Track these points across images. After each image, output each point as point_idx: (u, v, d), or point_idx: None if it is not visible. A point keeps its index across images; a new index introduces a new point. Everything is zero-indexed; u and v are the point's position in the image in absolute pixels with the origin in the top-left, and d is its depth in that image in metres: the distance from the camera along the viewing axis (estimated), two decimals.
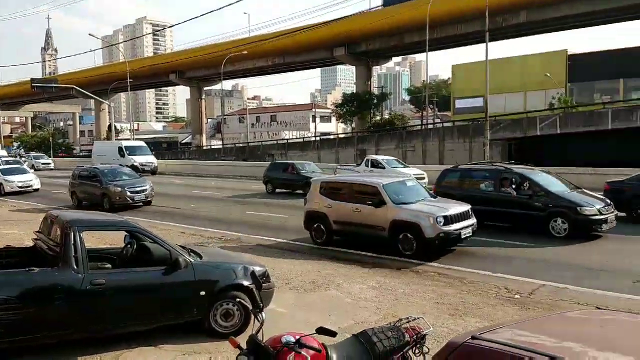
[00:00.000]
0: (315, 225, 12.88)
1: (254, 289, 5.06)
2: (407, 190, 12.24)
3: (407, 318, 4.52)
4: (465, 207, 11.64)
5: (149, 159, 38.85)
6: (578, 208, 12.56)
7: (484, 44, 28.06)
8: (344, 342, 4.19)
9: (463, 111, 51.94)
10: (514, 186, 13.61)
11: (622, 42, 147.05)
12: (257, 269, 6.86)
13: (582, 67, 45.95)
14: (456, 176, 15.06)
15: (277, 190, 24.67)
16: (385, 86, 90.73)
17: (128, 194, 19.97)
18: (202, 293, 6.40)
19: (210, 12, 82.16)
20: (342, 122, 64.29)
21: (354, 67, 59.83)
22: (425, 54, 42.87)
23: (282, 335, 3.72)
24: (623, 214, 14.32)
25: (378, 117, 57.74)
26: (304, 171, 24.25)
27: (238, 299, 6.39)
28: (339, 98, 69.21)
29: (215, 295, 6.46)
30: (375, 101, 57.16)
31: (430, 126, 44.79)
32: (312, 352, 3.62)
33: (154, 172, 37.36)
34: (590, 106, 38.30)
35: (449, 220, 10.99)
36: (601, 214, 12.57)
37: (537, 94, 46.38)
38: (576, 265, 10.41)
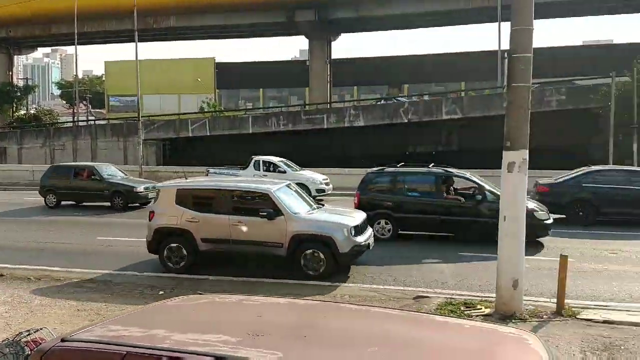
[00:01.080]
0: (171, 247, 9.98)
1: None
2: (295, 197, 10.26)
3: (28, 331, 4.45)
4: (364, 215, 10.38)
5: None
6: (534, 213, 11.51)
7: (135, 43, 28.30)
8: None
9: (119, 109, 50.99)
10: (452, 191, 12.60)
11: (264, 55, 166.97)
12: None
13: (229, 75, 50.35)
14: (386, 180, 13.21)
15: (64, 202, 19.60)
16: (32, 78, 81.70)
17: None
18: None
19: None
20: None
21: None
22: (74, 47, 40.52)
23: None
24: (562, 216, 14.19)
25: (22, 112, 52.06)
26: (108, 175, 19.62)
27: None
28: None
29: None
30: (18, 94, 51.58)
31: (82, 123, 42.52)
32: None
33: None
34: (235, 111, 42.51)
35: (358, 230, 9.58)
36: (549, 217, 12.04)
37: (191, 97, 48.76)
38: None
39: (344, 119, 31.37)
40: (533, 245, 11.03)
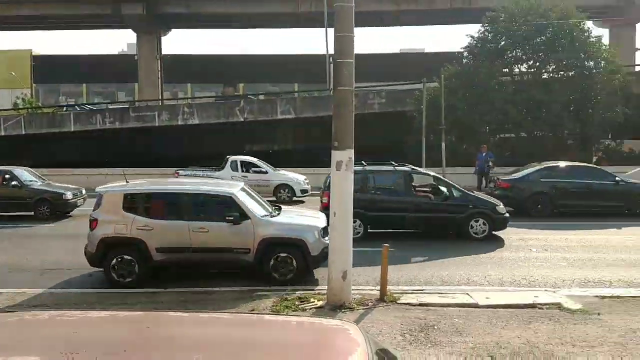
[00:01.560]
0: (120, 259, 8.94)
1: None
2: (254, 200, 9.70)
3: None
4: (324, 216, 9.79)
5: None
6: (496, 207, 12.64)
7: None
8: None
9: None
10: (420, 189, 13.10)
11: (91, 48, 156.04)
12: None
13: (48, 68, 45.96)
14: (356, 179, 11.72)
15: None
16: None
17: None
18: None
19: None
20: None
21: None
22: None
23: None
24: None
25: None
26: (29, 181, 16.95)
27: None
28: None
29: None
30: None
31: None
32: None
33: None
34: (54, 108, 38.86)
35: (325, 232, 9.09)
36: (506, 212, 12.86)
37: (4, 92, 43.65)
38: None
39: (177, 116, 30.41)
40: (494, 238, 12.52)
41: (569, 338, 6.37)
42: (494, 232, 12.67)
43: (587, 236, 13.00)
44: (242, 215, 8.97)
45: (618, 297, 8.26)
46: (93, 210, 9.30)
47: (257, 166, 20.52)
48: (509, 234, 12.88)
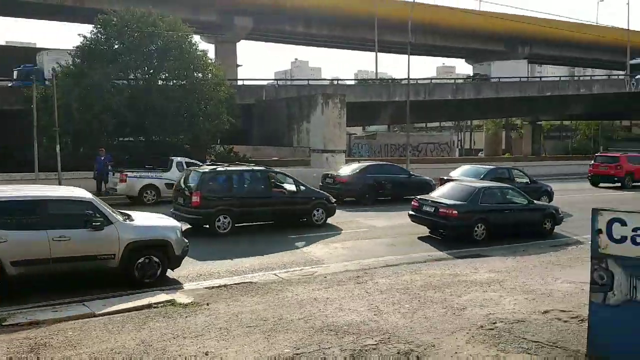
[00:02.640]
0: None
1: None
2: (103, 204, 9.33)
3: None
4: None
5: None
6: (329, 198, 16.14)
7: None
8: None
9: None
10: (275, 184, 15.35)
11: None
12: None
13: None
14: (222, 179, 14.69)
15: None
16: None
17: None
18: None
19: None
20: None
21: None
22: None
23: None
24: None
25: None
26: None
27: None
28: None
29: None
30: None
31: None
32: None
33: None
34: None
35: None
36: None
37: None
38: None
39: None
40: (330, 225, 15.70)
41: (180, 331, 6.91)
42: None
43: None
44: (105, 220, 8.89)
45: (225, 285, 9.38)
46: None
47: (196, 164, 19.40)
48: None
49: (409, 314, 7.58)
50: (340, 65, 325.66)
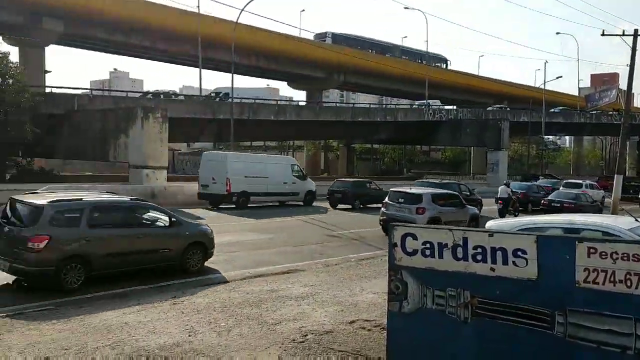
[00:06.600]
0: None
1: None
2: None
3: None
4: None
5: None
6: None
7: None
8: None
9: None
10: None
11: None
12: None
13: None
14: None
15: None
16: None
17: None
18: None
19: None
20: None
21: None
22: None
23: None
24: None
25: None
26: None
27: None
28: None
29: None
30: None
31: None
32: None
33: None
34: None
35: None
36: None
37: None
38: None
39: None
40: None
41: None
42: None
43: None
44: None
45: (21, 313, 8.41)
46: None
47: None
48: None
49: (224, 333, 7.56)
50: (165, 79, 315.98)
